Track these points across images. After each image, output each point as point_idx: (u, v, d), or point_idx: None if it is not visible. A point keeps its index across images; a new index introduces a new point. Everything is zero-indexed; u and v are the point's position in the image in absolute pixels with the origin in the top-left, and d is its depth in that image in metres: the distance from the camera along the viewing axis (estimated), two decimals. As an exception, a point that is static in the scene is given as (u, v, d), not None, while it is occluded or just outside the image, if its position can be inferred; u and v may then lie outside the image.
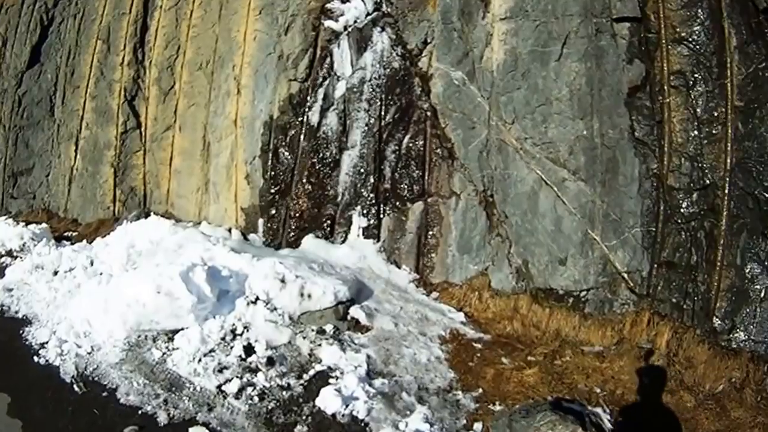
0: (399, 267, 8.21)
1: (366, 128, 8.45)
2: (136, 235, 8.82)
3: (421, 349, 6.58)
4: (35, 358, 6.46)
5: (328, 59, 8.83)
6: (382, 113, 8.41)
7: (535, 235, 7.29)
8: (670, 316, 6.32)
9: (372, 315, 7.06)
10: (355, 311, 7.01)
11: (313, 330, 6.68)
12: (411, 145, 8.24)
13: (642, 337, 6.43)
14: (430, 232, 8.10)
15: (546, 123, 7.21)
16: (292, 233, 8.83)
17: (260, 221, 8.98)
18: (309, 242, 8.62)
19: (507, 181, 7.49)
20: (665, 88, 6.58)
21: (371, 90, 8.50)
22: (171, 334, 6.63)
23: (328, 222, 8.68)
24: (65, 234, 10.81)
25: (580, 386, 5.96)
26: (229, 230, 9.31)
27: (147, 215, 9.79)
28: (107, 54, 10.93)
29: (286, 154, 8.77)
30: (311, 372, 6.12)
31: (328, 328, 6.74)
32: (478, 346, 6.77)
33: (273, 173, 8.95)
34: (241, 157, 9.14)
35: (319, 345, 6.44)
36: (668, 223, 6.60)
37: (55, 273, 8.43)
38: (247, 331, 6.70)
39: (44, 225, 10.17)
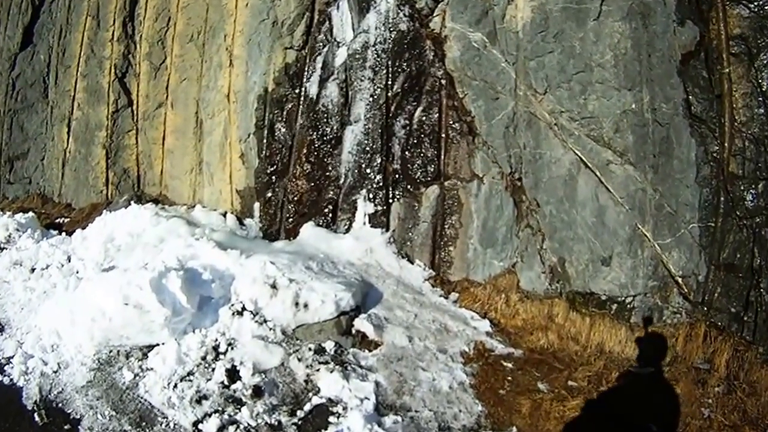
0: (411, 262, 7.07)
1: (371, 100, 7.25)
2: (115, 227, 7.76)
3: (441, 372, 5.43)
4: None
5: (327, 23, 7.81)
6: (389, 83, 7.22)
7: (572, 229, 6.09)
8: (728, 330, 5.34)
9: (381, 327, 5.89)
10: (360, 323, 5.87)
11: (310, 349, 5.53)
12: (423, 118, 7.06)
13: (698, 355, 5.40)
14: (448, 222, 6.97)
15: (585, 94, 5.97)
16: (291, 219, 7.75)
17: (256, 205, 8.05)
18: (308, 232, 7.46)
19: (539, 162, 6.29)
20: (724, 56, 5.45)
21: (376, 56, 7.31)
22: (146, 349, 5.60)
23: (330, 208, 7.56)
24: (57, 221, 10.04)
25: (632, 421, 4.87)
26: (224, 215, 8.34)
27: (139, 199, 9.07)
28: (97, 30, 10.21)
29: (283, 130, 7.83)
30: (307, 406, 4.99)
31: (329, 345, 5.60)
32: (509, 365, 5.64)
33: (269, 152, 7.93)
34: (235, 134, 8.31)
35: (317, 370, 5.30)
36: (728, 218, 5.43)
37: (33, 270, 7.44)
38: (232, 349, 5.60)
39: (30, 214, 9.26)
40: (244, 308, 5.84)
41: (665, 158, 5.64)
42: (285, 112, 7.86)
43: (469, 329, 6.10)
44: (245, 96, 8.29)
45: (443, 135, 6.95)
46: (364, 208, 7.32)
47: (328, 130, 7.54)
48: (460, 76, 6.81)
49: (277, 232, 7.83)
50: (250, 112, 8.13)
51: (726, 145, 5.44)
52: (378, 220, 7.26)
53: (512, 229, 6.56)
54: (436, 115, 6.95)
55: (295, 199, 7.66)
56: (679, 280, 5.59)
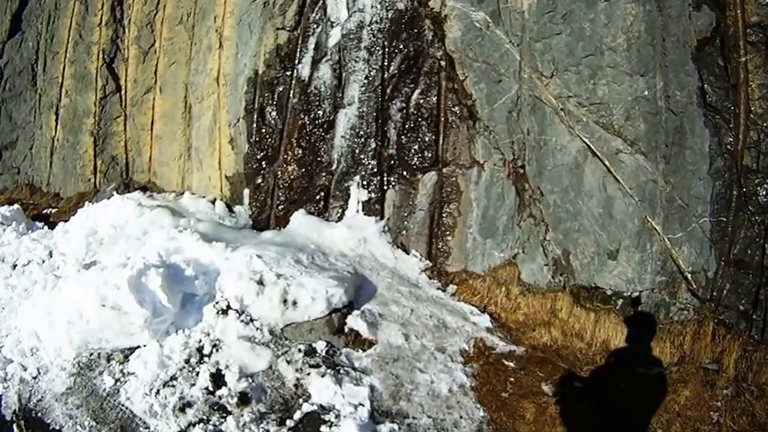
0: (407, 252, 6.71)
1: (366, 82, 6.80)
2: (98, 219, 7.33)
3: (440, 374, 5.13)
4: (-22, 385, 5.17)
5: (321, 2, 7.32)
6: (385, 64, 6.76)
7: (578, 220, 5.75)
8: (736, 328, 5.12)
9: (376, 324, 5.55)
10: (354, 321, 5.53)
11: (299, 350, 5.19)
12: (421, 101, 6.61)
13: (706, 354, 5.15)
14: (446, 210, 6.60)
15: (595, 78, 5.59)
16: (281, 206, 7.36)
17: (246, 192, 7.66)
18: (299, 220, 7.06)
19: (543, 149, 5.93)
20: (740, 44, 5.15)
21: (371, 36, 6.84)
22: (127, 351, 5.27)
23: (322, 194, 7.15)
24: (44, 212, 9.68)
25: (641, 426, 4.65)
26: (213, 202, 7.99)
27: (127, 187, 8.82)
28: (85, 15, 9.79)
29: (273, 114, 7.40)
30: (297, 414, 4.68)
31: (320, 346, 5.26)
32: (511, 365, 5.34)
33: (259, 137, 7.50)
34: (224, 118, 7.91)
35: (308, 374, 4.96)
36: (740, 213, 5.17)
37: (15, 267, 7.03)
38: (217, 351, 5.27)
39: (16, 206, 8.81)
40: (229, 306, 5.48)
41: (678, 148, 5.30)
42: (276, 96, 7.43)
43: (469, 325, 5.78)
44: (235, 79, 7.87)
45: (442, 119, 6.53)
46: (358, 195, 6.93)
47: (321, 113, 7.12)
48: (461, 58, 6.37)
49: (267, 220, 7.46)
50: (240, 95, 7.73)
51: (740, 137, 5.16)
52: (372, 208, 6.88)
53: (514, 219, 6.22)
54: (435, 98, 6.53)
55: (286, 185, 7.27)
56: (689, 276, 5.31)
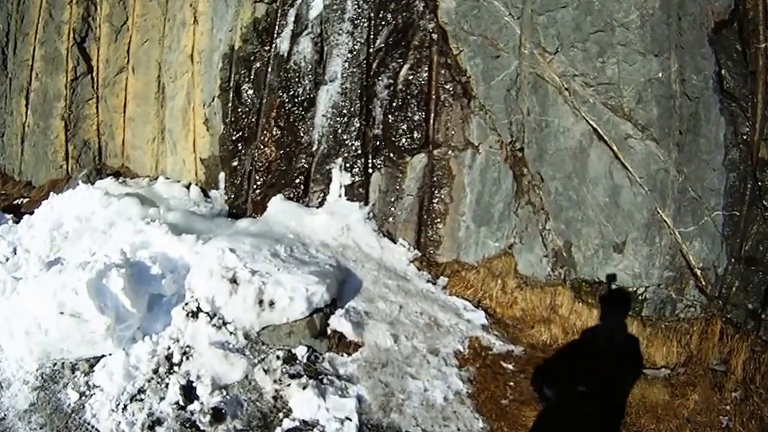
0: (394, 241, 6.25)
1: (350, 56, 6.23)
2: (63, 211, 6.61)
3: (433, 380, 4.71)
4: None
5: None
6: (371, 37, 6.18)
7: (582, 209, 5.36)
8: (744, 327, 4.91)
9: (362, 324, 5.10)
10: (337, 322, 5.06)
11: (278, 357, 4.72)
12: (410, 78, 6.09)
13: (714, 355, 4.94)
14: (436, 195, 6.16)
15: (604, 56, 5.15)
16: (258, 190, 6.84)
17: (221, 175, 7.24)
18: (277, 206, 6.52)
19: (544, 131, 5.49)
20: (760, 29, 4.83)
21: (356, 7, 6.27)
22: (93, 360, 4.74)
23: (301, 178, 6.63)
24: (15, 202, 9.09)
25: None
26: (188, 186, 7.50)
27: (99, 173, 8.27)
28: None
29: (250, 92, 6.93)
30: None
31: (300, 352, 4.81)
32: (510, 367, 4.96)
33: (234, 116, 7.03)
34: (199, 98, 7.49)
35: (288, 385, 4.46)
36: (753, 208, 4.91)
37: None
38: (187, 359, 4.76)
39: None
40: (199, 309, 4.95)
41: (692, 136, 4.93)
42: (253, 72, 6.91)
43: (463, 322, 5.37)
44: (210, 56, 7.33)
45: (433, 97, 6.04)
46: (340, 178, 6.42)
47: (300, 90, 6.57)
48: (455, 30, 5.83)
49: (244, 205, 6.96)
50: (215, 73, 7.24)
51: (757, 127, 4.84)
52: (355, 193, 6.38)
53: (510, 206, 5.81)
54: (426, 74, 6.01)
55: (263, 168, 6.75)
56: (698, 272, 5.02)
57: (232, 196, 7.09)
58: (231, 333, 4.87)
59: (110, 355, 4.67)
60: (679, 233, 4.98)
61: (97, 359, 4.70)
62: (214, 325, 4.85)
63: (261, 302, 4.93)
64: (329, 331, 4.99)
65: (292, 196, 6.60)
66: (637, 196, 5.07)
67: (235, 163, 7.06)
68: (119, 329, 4.69)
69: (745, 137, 4.85)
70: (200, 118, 7.50)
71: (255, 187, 6.83)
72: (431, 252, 6.15)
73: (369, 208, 6.34)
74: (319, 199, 6.51)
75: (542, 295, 5.53)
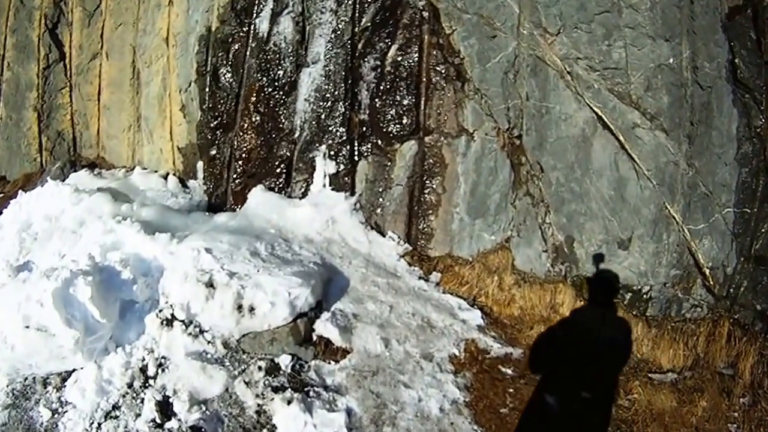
0: (383, 234, 6.13)
1: (333, 36, 6.03)
2: (32, 210, 6.40)
3: (428, 388, 4.63)
4: None
5: None
6: (357, 15, 6.00)
7: (585, 202, 5.28)
8: (752, 329, 4.95)
9: (350, 328, 5.03)
10: (323, 326, 4.95)
11: (260, 368, 4.62)
12: (399, 59, 5.91)
13: (721, 358, 4.96)
14: (428, 186, 6.03)
15: (610, 39, 5.03)
16: (238, 180, 6.68)
17: (199, 164, 7.14)
18: (257, 198, 6.36)
19: (545, 118, 5.38)
20: None
21: None
22: (65, 374, 4.61)
23: (283, 167, 6.47)
24: None
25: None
26: (166, 177, 7.43)
27: (74, 165, 8.23)
28: None
29: (228, 76, 6.76)
30: (263, 452, 4.08)
31: (284, 361, 4.70)
32: (509, 371, 4.91)
33: (212, 102, 6.87)
34: (175, 83, 7.41)
35: (272, 399, 4.36)
36: (765, 205, 4.89)
37: None
38: (163, 371, 4.64)
39: None
40: (174, 316, 4.79)
41: (704, 128, 4.85)
42: (231, 55, 6.73)
43: (458, 323, 5.31)
44: (186, 38, 7.16)
45: (424, 79, 5.88)
46: (324, 167, 6.25)
47: (281, 73, 6.39)
48: (448, 8, 5.63)
49: (225, 196, 6.83)
50: (191, 56, 7.10)
51: None
52: (341, 183, 6.23)
53: (507, 197, 5.70)
54: (416, 55, 5.83)
55: (243, 156, 6.58)
56: (707, 271, 5.00)
57: (212, 186, 6.95)
58: (209, 342, 4.74)
59: (82, 368, 4.55)
60: (688, 230, 4.93)
61: (69, 373, 4.57)
62: (190, 334, 4.72)
63: (240, 308, 4.80)
64: (315, 337, 4.89)
65: (273, 186, 6.44)
66: (645, 190, 4.99)
67: (214, 152, 6.91)
68: (89, 341, 4.54)
69: (758, 130, 4.78)
70: (177, 105, 7.40)
71: (235, 176, 6.67)
72: (423, 245, 6.04)
73: (355, 199, 6.19)
74: (302, 190, 6.35)
75: (542, 292, 5.46)
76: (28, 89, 8.91)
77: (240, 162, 6.61)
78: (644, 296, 5.14)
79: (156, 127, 7.73)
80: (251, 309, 4.79)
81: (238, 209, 6.43)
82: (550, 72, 5.27)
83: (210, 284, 4.87)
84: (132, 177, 7.51)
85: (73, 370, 4.56)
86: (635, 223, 5.05)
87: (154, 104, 7.72)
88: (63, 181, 7.28)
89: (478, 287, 5.69)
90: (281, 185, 6.44)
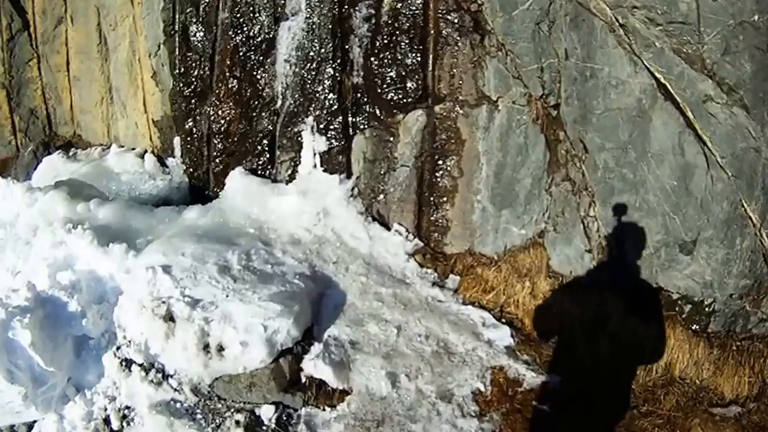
0: (387, 227, 5.88)
1: None
2: None
3: (448, 442, 4.38)
4: None
5: None
6: None
7: (640, 193, 4.91)
8: None
9: (346, 363, 4.77)
10: (313, 365, 4.64)
11: (238, 422, 4.44)
12: (399, 5, 5.54)
13: None
14: (441, 167, 5.73)
15: None
16: (218, 159, 6.64)
17: (176, 140, 7.22)
18: (235, 184, 6.18)
19: (590, 83, 4.94)
20: None
21: None
22: (31, 422, 4.62)
23: (265, 144, 6.33)
24: None
25: None
26: (143, 155, 7.62)
27: (47, 147, 8.54)
28: None
29: (200, 35, 6.68)
30: None
31: (266, 413, 4.46)
32: (545, 409, 4.62)
33: (184, 67, 6.84)
34: (143, 47, 7.49)
35: (256, 467, 4.17)
36: None
37: None
38: (128, 424, 4.51)
39: None
40: (131, 361, 4.62)
41: None
42: (201, 10, 6.60)
43: (482, 346, 5.02)
44: None
45: (431, 32, 5.50)
46: (313, 143, 5.95)
47: (257, 29, 6.15)
48: (461, -64, 5.14)
49: (206, 176, 6.89)
50: (157, 15, 7.05)
51: None
52: (334, 162, 5.96)
53: (541, 183, 5.37)
54: (420, 1, 5.42)
55: (222, 130, 6.53)
56: None
57: (191, 164, 7.00)
58: (175, 389, 4.57)
59: (43, 419, 4.53)
60: (767, 235, 4.58)
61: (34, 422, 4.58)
62: (152, 381, 4.56)
63: (206, 348, 4.55)
64: (304, 378, 4.63)
65: (255, 166, 6.33)
66: (717, 183, 4.57)
67: (190, 124, 6.88)
68: (41, 392, 4.47)
69: None
70: (147, 72, 7.48)
71: (214, 154, 6.66)
72: (436, 241, 5.80)
73: (352, 183, 5.92)
74: (289, 171, 6.17)
75: (583, 301, 5.12)
76: (-7, 65, 9.19)
77: (219, 138, 6.58)
78: (706, 309, 4.90)
79: (128, 98, 7.84)
80: (220, 348, 4.54)
81: (219, 192, 6.41)
82: (596, 23, 4.77)
83: (169, 317, 4.63)
84: (107, 158, 7.63)
85: (35, 421, 4.55)
86: (703, 222, 4.69)
87: (124, 72, 7.82)
88: (35, 169, 7.87)
89: (506, 294, 5.42)
90: (264, 165, 6.33)
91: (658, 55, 4.55)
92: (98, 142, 8.51)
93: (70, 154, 8.13)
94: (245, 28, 6.25)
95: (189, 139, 6.96)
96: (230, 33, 6.32)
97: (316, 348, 4.74)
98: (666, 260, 4.89)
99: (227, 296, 4.76)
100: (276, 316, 4.62)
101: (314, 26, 5.82)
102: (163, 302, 4.67)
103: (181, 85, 6.91)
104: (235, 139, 6.45)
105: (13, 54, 9.10)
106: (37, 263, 5.21)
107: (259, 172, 6.32)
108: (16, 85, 9.16)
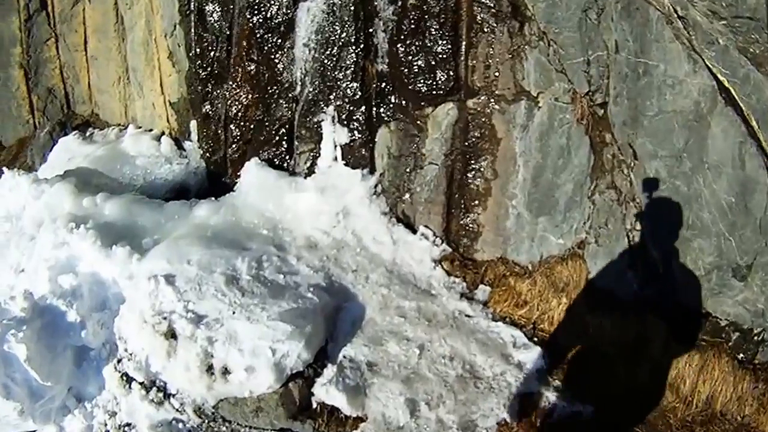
0: (413, 230, 5.81)
1: None
2: None
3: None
4: None
5: None
6: None
7: (693, 208, 4.74)
8: None
9: (362, 388, 4.63)
10: (325, 391, 4.56)
11: (244, 448, 4.38)
12: None
13: None
14: (473, 167, 5.64)
15: None
16: (235, 146, 6.66)
17: (193, 123, 7.37)
18: (251, 176, 6.17)
19: (642, 80, 4.78)
20: None
21: None
22: None
23: (283, 133, 6.34)
24: None
25: None
26: (160, 138, 7.70)
27: (64, 127, 8.64)
28: None
29: (216, 15, 6.71)
30: None
31: (274, 440, 4.42)
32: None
33: (200, 48, 6.89)
34: (159, 27, 7.57)
35: (260, 501, 4.20)
36: None
37: None
38: None
39: None
40: (131, 379, 4.67)
41: None
42: None
43: (511, 370, 4.89)
44: None
45: (464, 16, 5.35)
46: (334, 135, 5.87)
47: (275, 10, 6.10)
48: None
49: (223, 163, 6.94)
50: None
51: None
52: (356, 156, 5.90)
53: (584, 189, 5.24)
54: None
55: (239, 115, 6.55)
56: None
57: (208, 149, 7.05)
58: (177, 409, 4.61)
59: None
60: None
61: (34, 431, 4.75)
62: (153, 400, 4.62)
63: (210, 369, 4.54)
64: (315, 404, 4.58)
65: (272, 157, 6.35)
66: None
67: (207, 108, 6.94)
68: (39, 406, 4.59)
69: None
70: (164, 52, 7.56)
71: (231, 141, 6.71)
72: (466, 246, 5.73)
73: (375, 180, 5.85)
74: (308, 164, 6.14)
75: (623, 323, 5.02)
76: (11, 45, 9.43)
77: (236, 123, 6.61)
78: (755, 338, 4.82)
79: (145, 78, 7.93)
80: (225, 371, 4.52)
81: (234, 183, 6.45)
82: (651, 13, 4.56)
83: (171, 334, 4.63)
84: (123, 140, 7.72)
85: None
86: (760, 246, 4.52)
87: (140, 52, 7.91)
88: (50, 150, 8.03)
89: (540, 310, 5.30)
90: (282, 156, 6.35)
91: (721, 53, 4.32)
92: (116, 122, 8.69)
93: (87, 134, 8.27)
94: (263, 9, 6.20)
95: (205, 122, 7.02)
96: (247, 13, 6.28)
97: (330, 371, 4.67)
98: (717, 284, 4.75)
99: (233, 313, 4.72)
100: (286, 339, 4.56)
101: (335, 7, 5.74)
102: (165, 318, 4.68)
103: (197, 66, 6.98)
104: (252, 125, 6.49)
105: (31, 34, 9.37)
106: (38, 264, 5.29)
107: (277, 162, 6.31)
108: (33, 64, 9.47)
